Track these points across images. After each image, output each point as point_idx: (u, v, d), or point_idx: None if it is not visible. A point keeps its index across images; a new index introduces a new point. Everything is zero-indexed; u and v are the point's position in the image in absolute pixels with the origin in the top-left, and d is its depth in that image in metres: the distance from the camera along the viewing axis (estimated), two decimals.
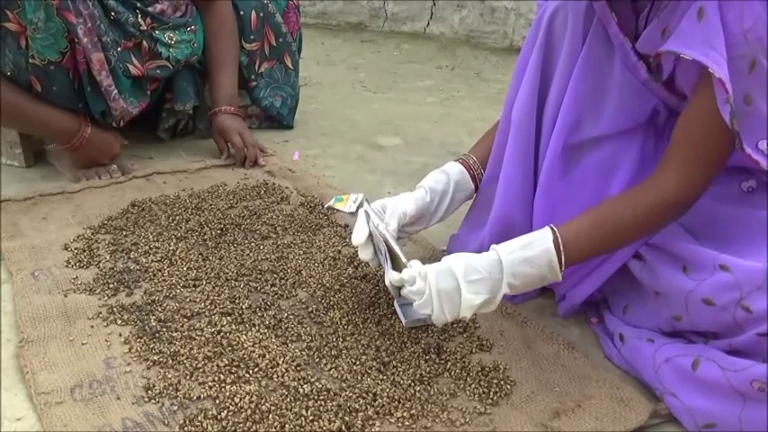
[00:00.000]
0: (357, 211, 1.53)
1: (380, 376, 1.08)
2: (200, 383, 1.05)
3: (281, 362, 1.09)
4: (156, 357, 1.10)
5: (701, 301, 1.01)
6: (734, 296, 0.96)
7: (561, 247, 1.03)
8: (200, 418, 0.99)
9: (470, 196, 1.34)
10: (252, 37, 1.96)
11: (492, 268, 1.03)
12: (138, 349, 1.11)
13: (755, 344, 0.97)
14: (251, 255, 1.39)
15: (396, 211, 1.22)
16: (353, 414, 1.00)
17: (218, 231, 1.46)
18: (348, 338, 1.16)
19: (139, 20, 1.65)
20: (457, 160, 1.34)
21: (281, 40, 2.01)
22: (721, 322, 1.00)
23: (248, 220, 1.51)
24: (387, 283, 1.13)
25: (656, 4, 1.05)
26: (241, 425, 0.98)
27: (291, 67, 2.07)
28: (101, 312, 1.20)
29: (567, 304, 1.24)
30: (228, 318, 1.20)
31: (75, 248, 1.38)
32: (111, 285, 1.27)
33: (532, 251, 1.04)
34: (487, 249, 1.08)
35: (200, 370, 1.08)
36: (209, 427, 0.97)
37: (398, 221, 1.21)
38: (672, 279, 1.06)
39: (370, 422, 1.00)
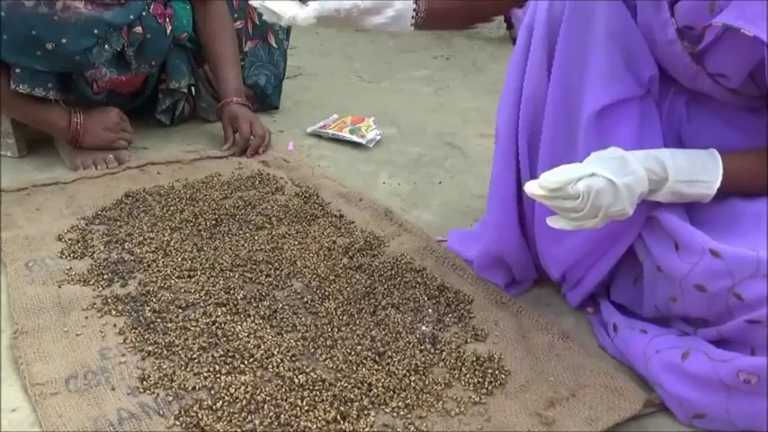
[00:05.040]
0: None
1: (375, 366, 1.08)
2: (195, 374, 1.05)
3: (276, 352, 1.10)
4: (150, 348, 1.10)
5: (694, 287, 1.00)
6: (726, 283, 0.96)
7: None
8: (195, 408, 0.99)
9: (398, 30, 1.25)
10: (235, 15, 1.96)
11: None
12: (133, 340, 1.11)
13: (744, 331, 0.97)
14: (245, 245, 1.38)
15: None
16: (348, 404, 1.01)
17: (213, 222, 1.46)
18: (343, 329, 1.16)
19: None
20: None
21: (263, 18, 2.01)
22: (713, 309, 1.00)
23: (243, 211, 1.51)
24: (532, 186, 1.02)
25: None
26: (236, 415, 0.98)
27: (275, 45, 2.07)
28: (95, 303, 1.20)
29: (578, 293, 1.23)
30: (223, 308, 1.19)
31: (69, 239, 1.38)
32: (106, 276, 1.27)
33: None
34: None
35: (195, 360, 1.08)
36: (204, 417, 0.97)
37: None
38: (666, 257, 1.05)
39: (365, 412, 1.00)
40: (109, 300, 1.20)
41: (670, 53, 1.05)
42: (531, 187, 1.00)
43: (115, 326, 1.15)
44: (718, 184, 1.02)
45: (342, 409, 0.99)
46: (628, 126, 1.08)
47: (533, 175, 1.15)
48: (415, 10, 1.21)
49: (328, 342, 1.13)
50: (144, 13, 1.67)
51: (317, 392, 1.02)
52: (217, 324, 1.15)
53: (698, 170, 1.02)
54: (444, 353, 1.12)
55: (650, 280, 1.13)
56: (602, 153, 1.02)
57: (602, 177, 0.97)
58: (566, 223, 1.01)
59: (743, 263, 0.94)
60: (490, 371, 1.08)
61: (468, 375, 1.08)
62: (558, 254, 1.19)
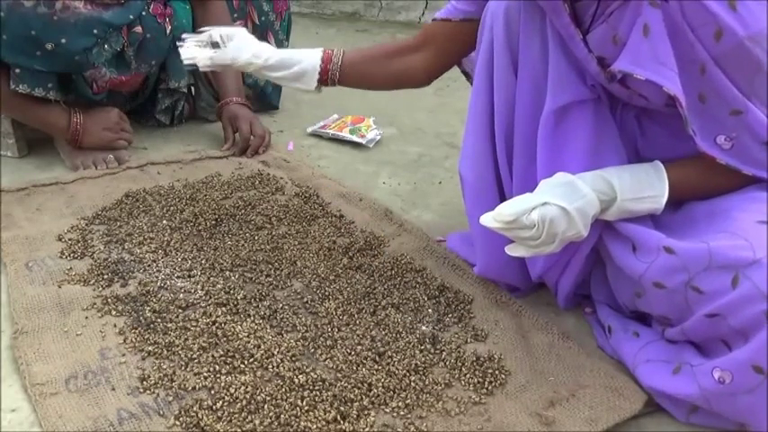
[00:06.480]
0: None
1: (375, 366, 1.08)
2: (195, 374, 1.05)
3: (276, 352, 1.10)
4: (150, 348, 1.10)
5: (653, 284, 1.01)
6: (682, 278, 0.97)
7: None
8: (195, 408, 0.99)
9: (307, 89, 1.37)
10: (235, 15, 1.97)
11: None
12: (133, 340, 1.11)
13: (705, 327, 0.97)
14: (246, 245, 1.38)
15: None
16: (348, 404, 1.01)
17: (213, 222, 1.46)
18: (343, 329, 1.16)
19: None
20: (324, 50, 1.34)
21: (263, 18, 2.03)
22: (674, 305, 1.01)
23: (243, 211, 1.51)
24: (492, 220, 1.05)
25: (603, 4, 1.02)
26: (236, 415, 0.98)
27: (275, 45, 2.07)
28: (95, 303, 1.20)
29: (561, 295, 1.24)
30: (223, 308, 1.19)
31: (69, 239, 1.38)
32: (106, 276, 1.27)
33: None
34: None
35: (196, 360, 1.08)
36: (204, 417, 0.97)
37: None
38: (625, 258, 1.06)
39: (366, 412, 1.00)
40: (109, 300, 1.20)
41: (600, 80, 1.08)
42: (487, 220, 1.03)
43: (115, 326, 1.15)
44: (665, 198, 1.04)
45: (342, 409, 0.99)
46: (584, 127, 1.10)
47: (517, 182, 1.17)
48: (320, 71, 1.33)
49: (328, 342, 1.13)
50: (144, 13, 1.67)
51: (317, 392, 1.02)
52: (217, 324, 1.15)
53: (644, 186, 1.04)
54: (444, 353, 1.12)
55: (614, 279, 1.15)
56: (552, 180, 1.05)
57: (555, 205, 1.00)
58: (524, 250, 1.05)
59: (695, 256, 0.95)
60: (490, 371, 1.08)
61: (468, 375, 1.08)
62: (532, 260, 1.21)
